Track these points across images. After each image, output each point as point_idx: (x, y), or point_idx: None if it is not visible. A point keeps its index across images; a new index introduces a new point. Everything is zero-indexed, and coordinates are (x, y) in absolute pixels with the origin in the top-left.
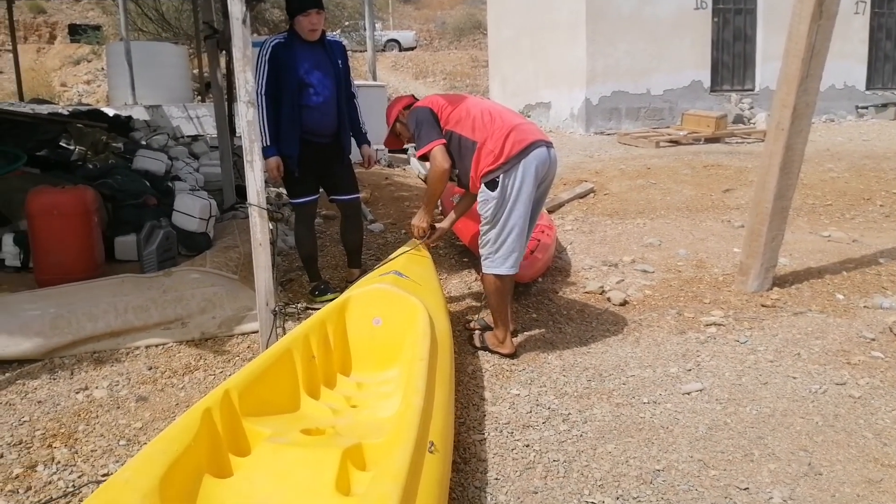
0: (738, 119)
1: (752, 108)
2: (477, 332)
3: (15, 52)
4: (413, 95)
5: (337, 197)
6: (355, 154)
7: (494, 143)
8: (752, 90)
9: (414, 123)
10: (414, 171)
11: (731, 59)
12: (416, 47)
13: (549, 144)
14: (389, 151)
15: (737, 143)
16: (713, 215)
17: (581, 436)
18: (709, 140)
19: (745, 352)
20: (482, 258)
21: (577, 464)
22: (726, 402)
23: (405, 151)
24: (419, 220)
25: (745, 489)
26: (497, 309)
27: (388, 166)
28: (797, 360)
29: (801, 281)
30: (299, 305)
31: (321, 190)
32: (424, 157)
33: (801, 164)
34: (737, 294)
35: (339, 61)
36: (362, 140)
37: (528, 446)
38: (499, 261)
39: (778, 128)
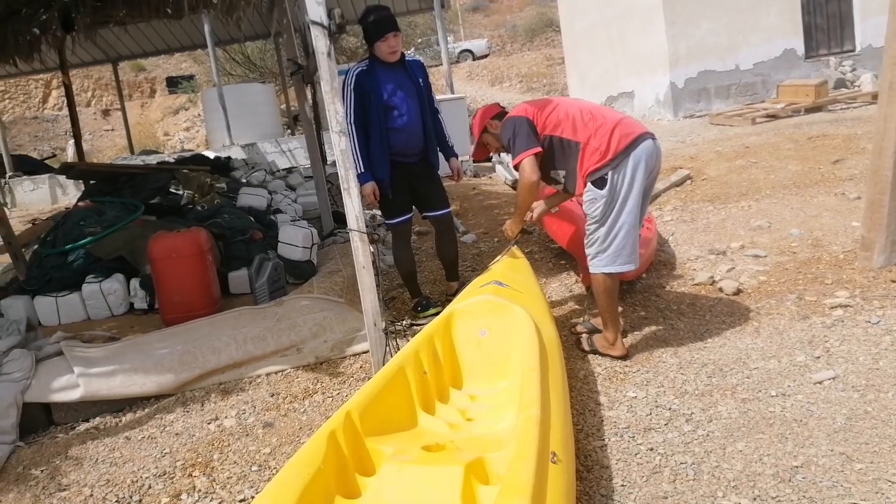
0: (840, 84)
1: (854, 69)
2: (584, 335)
3: (123, 109)
4: (498, 104)
5: (429, 213)
6: (443, 168)
7: (599, 141)
8: (853, 51)
9: (510, 132)
10: (500, 178)
11: (826, 21)
12: (489, 54)
13: (653, 136)
14: (474, 161)
15: (841, 109)
16: (824, 189)
17: (707, 436)
18: (810, 110)
19: (878, 333)
20: (589, 258)
21: (707, 465)
22: (864, 389)
23: (489, 159)
24: (511, 227)
25: None
26: (607, 309)
27: (475, 176)
28: None
29: None
30: (404, 322)
31: (413, 207)
32: (517, 167)
33: None
34: (862, 271)
35: (420, 79)
36: (450, 153)
37: (652, 450)
38: (608, 259)
39: (891, 88)
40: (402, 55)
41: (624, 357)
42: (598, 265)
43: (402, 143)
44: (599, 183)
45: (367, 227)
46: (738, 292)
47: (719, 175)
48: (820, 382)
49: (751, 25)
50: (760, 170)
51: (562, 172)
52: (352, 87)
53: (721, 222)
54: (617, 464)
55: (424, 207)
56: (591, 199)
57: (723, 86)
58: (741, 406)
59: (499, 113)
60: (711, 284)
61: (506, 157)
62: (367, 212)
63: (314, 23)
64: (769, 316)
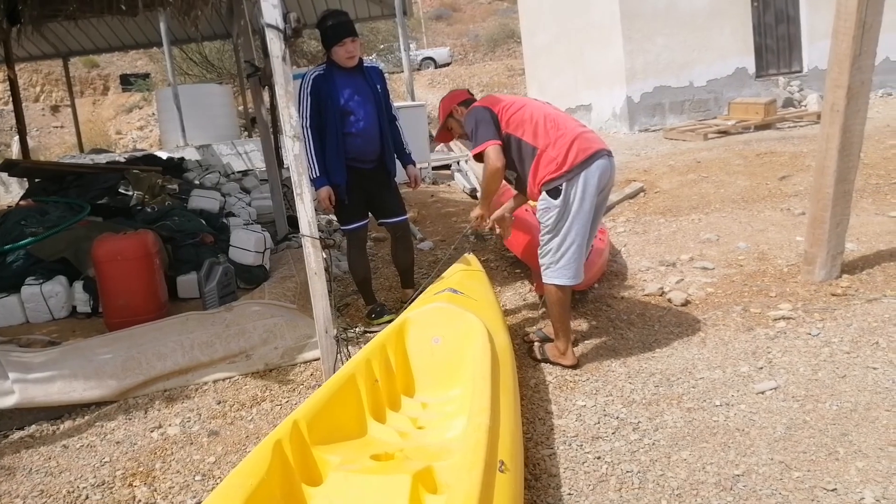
0: (788, 103)
1: (801, 90)
2: (536, 343)
3: (73, 106)
4: (468, 90)
5: (386, 220)
6: (401, 175)
7: (557, 151)
8: (801, 71)
9: (473, 122)
10: (459, 186)
11: (776, 42)
12: (451, 63)
13: (609, 153)
14: (437, 142)
15: (789, 127)
16: (771, 204)
17: (653, 444)
18: (759, 127)
19: (818, 345)
20: (543, 268)
21: (652, 473)
22: (804, 399)
23: (448, 167)
24: (477, 212)
25: (832, 490)
26: (558, 319)
27: (433, 184)
28: (876, 350)
29: (872, 266)
30: (357, 329)
31: (370, 214)
32: (479, 157)
33: (860, 144)
34: (804, 285)
35: (378, 86)
36: (407, 161)
37: (599, 458)
38: (560, 271)
39: (833, 110)
40: (361, 61)
41: (574, 366)
42: (551, 276)
43: (359, 149)
44: (554, 193)
45: (322, 232)
46: (686, 303)
47: (671, 188)
48: (762, 392)
49: (705, 44)
50: (711, 184)
51: (513, 174)
52: (308, 90)
53: (672, 234)
54: (565, 472)
55: (380, 214)
56: (544, 208)
57: (677, 101)
58: (686, 415)
59: (466, 100)
60: (661, 295)
61: (465, 165)
62: (323, 217)
63: (269, 26)
64: (715, 327)
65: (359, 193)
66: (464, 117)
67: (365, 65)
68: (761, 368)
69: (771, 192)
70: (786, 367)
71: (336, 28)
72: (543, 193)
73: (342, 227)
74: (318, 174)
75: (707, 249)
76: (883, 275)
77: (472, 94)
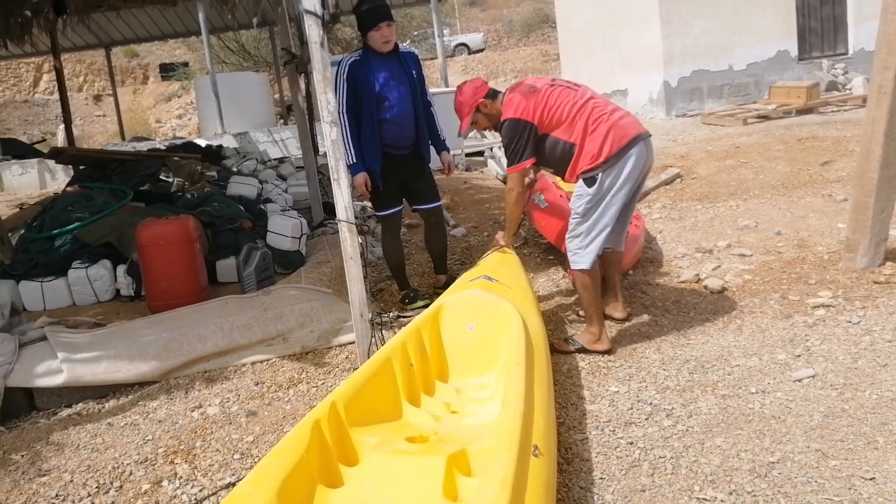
0: (832, 86)
1: (846, 73)
2: (567, 338)
3: (115, 95)
4: (484, 82)
5: (419, 206)
6: (434, 161)
7: (593, 145)
8: (846, 54)
9: (513, 136)
10: (491, 173)
11: (820, 24)
12: (484, 48)
13: (647, 136)
14: (459, 135)
15: (832, 111)
16: (812, 191)
17: (687, 430)
18: (801, 112)
19: (859, 333)
20: (570, 253)
21: (685, 459)
22: (842, 388)
23: (482, 154)
24: (501, 242)
25: (871, 479)
26: (591, 304)
27: (466, 170)
28: None
29: None
30: (391, 314)
31: (404, 200)
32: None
33: None
34: (845, 272)
35: (414, 72)
36: (441, 147)
37: (631, 444)
38: (588, 256)
39: (880, 92)
40: (396, 46)
41: (608, 351)
42: (579, 262)
43: (394, 135)
44: (590, 181)
45: (356, 218)
46: (722, 290)
47: (709, 174)
48: (799, 380)
49: (745, 26)
50: (750, 170)
51: (551, 169)
52: (345, 76)
53: (709, 221)
54: (597, 457)
55: (414, 200)
56: (578, 195)
57: (716, 86)
58: (721, 402)
59: (491, 91)
60: (697, 282)
61: (498, 151)
62: (357, 203)
63: (308, 12)
64: (752, 314)
65: (393, 179)
66: (502, 126)
67: (401, 50)
68: (799, 356)
69: (812, 178)
70: (824, 355)
71: (372, 12)
72: (580, 181)
73: (377, 213)
74: (354, 160)
75: (745, 236)
76: None
77: (488, 85)
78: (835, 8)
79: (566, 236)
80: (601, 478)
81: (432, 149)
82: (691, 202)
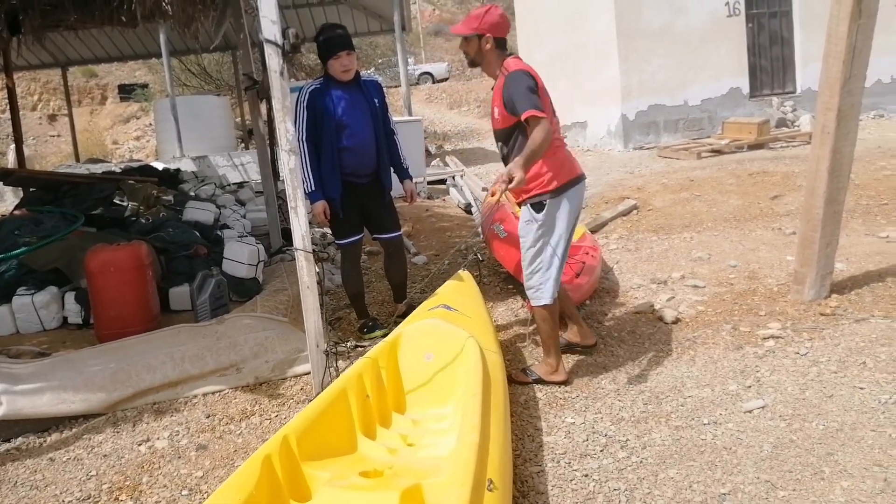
0: (782, 123)
1: (794, 110)
2: (526, 369)
3: (70, 115)
4: (509, 27)
5: (379, 235)
6: (397, 189)
7: (552, 164)
8: (794, 92)
9: (524, 84)
10: (453, 201)
11: (770, 63)
12: (448, 78)
13: (584, 178)
14: (433, 163)
15: (782, 147)
16: (763, 224)
17: (641, 462)
18: (752, 147)
19: (806, 364)
20: (532, 290)
21: (639, 492)
22: (791, 419)
23: (444, 182)
24: (510, 172)
25: None
26: (549, 337)
27: (429, 198)
28: (863, 370)
29: (861, 286)
30: (349, 344)
31: (365, 228)
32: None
33: (850, 166)
34: (793, 304)
35: (376, 100)
36: (404, 175)
37: (587, 476)
38: (549, 291)
39: (823, 132)
40: (358, 74)
41: (565, 382)
42: (541, 298)
43: (354, 163)
44: (538, 207)
45: (316, 245)
46: (676, 321)
47: (664, 206)
48: (750, 411)
49: (700, 64)
50: (703, 203)
51: (506, 149)
52: (304, 104)
53: (664, 252)
54: (552, 490)
55: (375, 229)
56: (527, 221)
57: (671, 120)
58: (674, 433)
59: (502, 41)
60: (652, 313)
61: (460, 180)
62: (317, 230)
63: (268, 41)
64: (705, 345)
65: (354, 208)
66: (514, 77)
67: (363, 78)
68: (749, 387)
69: (763, 211)
70: (774, 386)
71: (331, 41)
72: (527, 207)
73: (336, 241)
74: (313, 188)
75: (698, 268)
76: (871, 295)
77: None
78: (783, 49)
79: (524, 273)
80: None
81: (395, 177)
82: (647, 233)
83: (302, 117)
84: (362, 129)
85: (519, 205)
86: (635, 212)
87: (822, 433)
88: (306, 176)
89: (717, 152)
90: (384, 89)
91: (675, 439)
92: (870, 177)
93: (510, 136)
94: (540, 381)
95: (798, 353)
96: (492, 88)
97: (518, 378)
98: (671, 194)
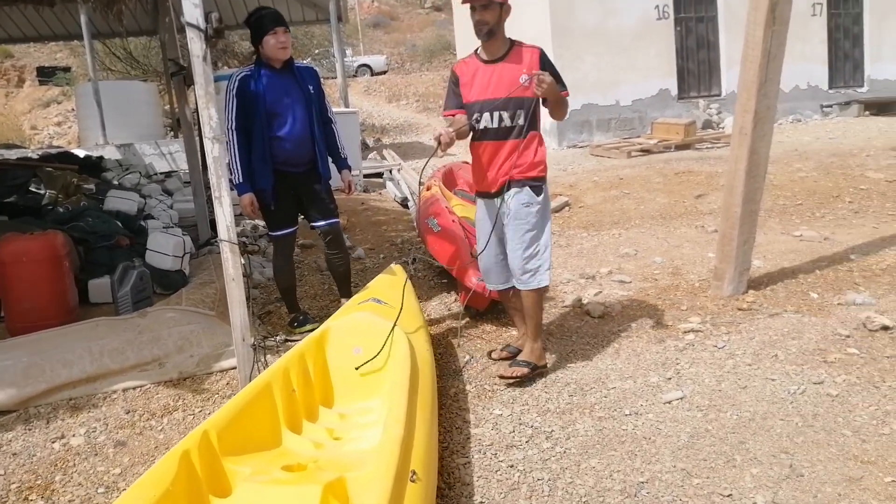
0: (707, 124)
1: (720, 112)
2: (515, 363)
3: None
4: None
5: (316, 223)
6: (335, 180)
7: (543, 153)
8: (719, 95)
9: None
10: (390, 195)
11: (697, 66)
12: (387, 71)
13: None
14: (370, 156)
15: (707, 148)
16: (687, 222)
17: (564, 452)
18: (679, 147)
19: (723, 357)
20: (533, 273)
21: (562, 481)
22: (707, 409)
23: (380, 175)
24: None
25: (728, 496)
26: (540, 321)
27: (364, 191)
28: (775, 362)
29: (776, 282)
30: (278, 338)
31: (300, 220)
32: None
33: (766, 166)
34: (713, 299)
35: (310, 87)
36: (342, 165)
37: (512, 467)
38: (548, 272)
39: (741, 133)
40: (291, 60)
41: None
42: (543, 279)
43: (288, 153)
44: (538, 190)
45: (246, 237)
46: (603, 315)
47: (595, 204)
48: (669, 402)
49: (631, 64)
50: (632, 200)
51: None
52: (234, 92)
53: (594, 248)
54: (478, 481)
55: (312, 217)
56: (525, 203)
57: (604, 119)
58: (597, 424)
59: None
60: (580, 307)
61: (397, 174)
62: (248, 222)
63: (190, 25)
64: (629, 338)
65: (287, 199)
66: (542, 50)
67: (297, 65)
68: (670, 379)
69: (687, 209)
70: (692, 378)
71: (266, 17)
72: (527, 188)
73: (269, 234)
74: (241, 179)
75: (625, 263)
76: (785, 291)
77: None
78: (709, 53)
79: (523, 256)
80: (481, 502)
81: (333, 167)
82: (578, 230)
83: (231, 105)
84: (296, 117)
85: (505, 187)
86: (567, 208)
87: (735, 423)
88: (234, 166)
89: (647, 152)
90: (320, 77)
91: (597, 430)
92: (787, 178)
93: (527, 106)
94: (534, 367)
95: (716, 347)
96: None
97: (511, 375)
98: (602, 192)
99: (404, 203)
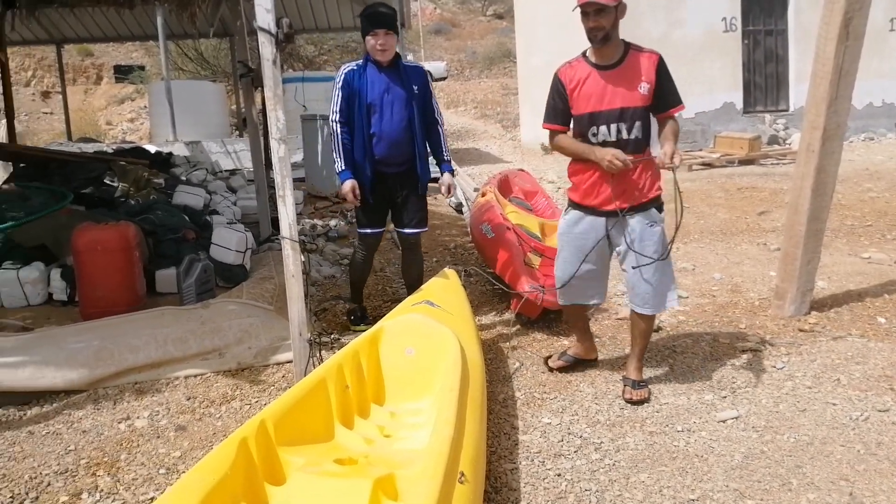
0: (773, 140)
1: (787, 128)
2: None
3: (64, 94)
4: None
5: (403, 230)
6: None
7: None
8: (787, 110)
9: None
10: (444, 201)
11: (764, 80)
12: (446, 77)
13: None
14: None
15: (772, 164)
16: (748, 238)
17: (614, 465)
18: (743, 162)
19: (782, 378)
20: (661, 296)
21: (610, 493)
22: (763, 430)
23: (436, 181)
24: (673, 152)
25: None
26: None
27: None
28: (837, 386)
29: (841, 304)
30: (333, 336)
31: (387, 222)
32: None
33: (834, 185)
34: (773, 319)
35: (415, 86)
36: (444, 168)
37: (559, 475)
38: (676, 292)
39: (808, 150)
40: (398, 58)
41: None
42: (674, 298)
43: (384, 151)
44: (661, 208)
45: (305, 236)
46: (657, 329)
47: None
48: (723, 421)
49: (695, 76)
50: (692, 215)
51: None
52: (339, 84)
53: None
54: (525, 487)
55: (400, 223)
56: (651, 224)
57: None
58: (648, 438)
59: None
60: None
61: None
62: (306, 221)
63: (261, 29)
64: (683, 354)
65: (381, 199)
66: (660, 56)
67: (405, 64)
68: (725, 397)
69: (749, 226)
70: (749, 398)
71: (370, 18)
72: (652, 209)
73: (358, 229)
74: (342, 167)
75: (682, 278)
76: (850, 314)
77: None
78: (778, 66)
79: (653, 279)
80: None
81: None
82: None
83: (336, 97)
84: (394, 115)
85: (632, 210)
86: None
87: (792, 446)
88: (337, 155)
89: (708, 165)
90: (428, 77)
91: (648, 444)
92: (856, 198)
93: (641, 117)
94: (646, 385)
95: (774, 367)
96: (612, 73)
97: (639, 398)
98: None
99: (458, 208)
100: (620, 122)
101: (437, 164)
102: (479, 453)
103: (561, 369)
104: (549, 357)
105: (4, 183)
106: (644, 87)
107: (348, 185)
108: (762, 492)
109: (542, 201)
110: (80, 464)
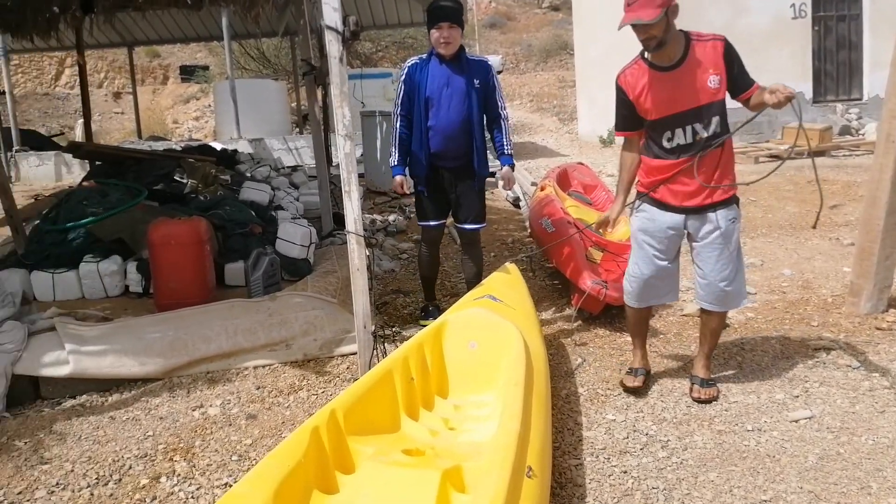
0: (845, 130)
1: (860, 118)
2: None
3: (135, 93)
4: None
5: (461, 225)
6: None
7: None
8: (860, 99)
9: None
10: (502, 194)
11: (836, 69)
12: (502, 71)
13: None
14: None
15: (844, 155)
16: (819, 233)
17: (681, 463)
18: (812, 154)
19: (858, 378)
20: (735, 293)
21: (678, 492)
22: (839, 431)
23: (493, 175)
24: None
25: None
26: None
27: None
28: None
29: None
30: (394, 328)
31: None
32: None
33: None
34: (848, 316)
35: (477, 80)
36: (504, 161)
37: (625, 472)
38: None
39: (888, 140)
40: (462, 52)
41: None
42: (745, 298)
43: (440, 145)
44: (737, 202)
45: (366, 231)
46: (725, 326)
47: None
48: (796, 421)
49: (761, 66)
50: (758, 208)
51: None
52: (402, 78)
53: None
54: (590, 483)
55: (458, 218)
56: (732, 220)
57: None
58: (717, 437)
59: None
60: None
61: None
62: (367, 216)
63: (329, 28)
64: (753, 352)
65: (439, 193)
66: (727, 40)
67: (471, 58)
68: (797, 397)
69: (821, 220)
70: (822, 398)
71: (434, 11)
72: (734, 205)
73: (419, 222)
74: (396, 162)
75: (751, 274)
76: None
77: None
78: (851, 54)
79: (729, 276)
80: None
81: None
82: None
83: (399, 91)
84: (452, 108)
85: (712, 207)
86: None
87: (871, 448)
88: (395, 148)
89: (776, 157)
90: (493, 71)
91: (717, 443)
92: None
93: (718, 112)
94: (714, 384)
95: (850, 367)
96: (670, 68)
97: (709, 397)
98: None
99: (516, 203)
100: (695, 122)
101: (497, 156)
102: (545, 448)
103: (639, 388)
104: (624, 379)
105: (84, 180)
106: (714, 81)
107: (398, 178)
108: (839, 494)
109: (601, 195)
110: (157, 449)
